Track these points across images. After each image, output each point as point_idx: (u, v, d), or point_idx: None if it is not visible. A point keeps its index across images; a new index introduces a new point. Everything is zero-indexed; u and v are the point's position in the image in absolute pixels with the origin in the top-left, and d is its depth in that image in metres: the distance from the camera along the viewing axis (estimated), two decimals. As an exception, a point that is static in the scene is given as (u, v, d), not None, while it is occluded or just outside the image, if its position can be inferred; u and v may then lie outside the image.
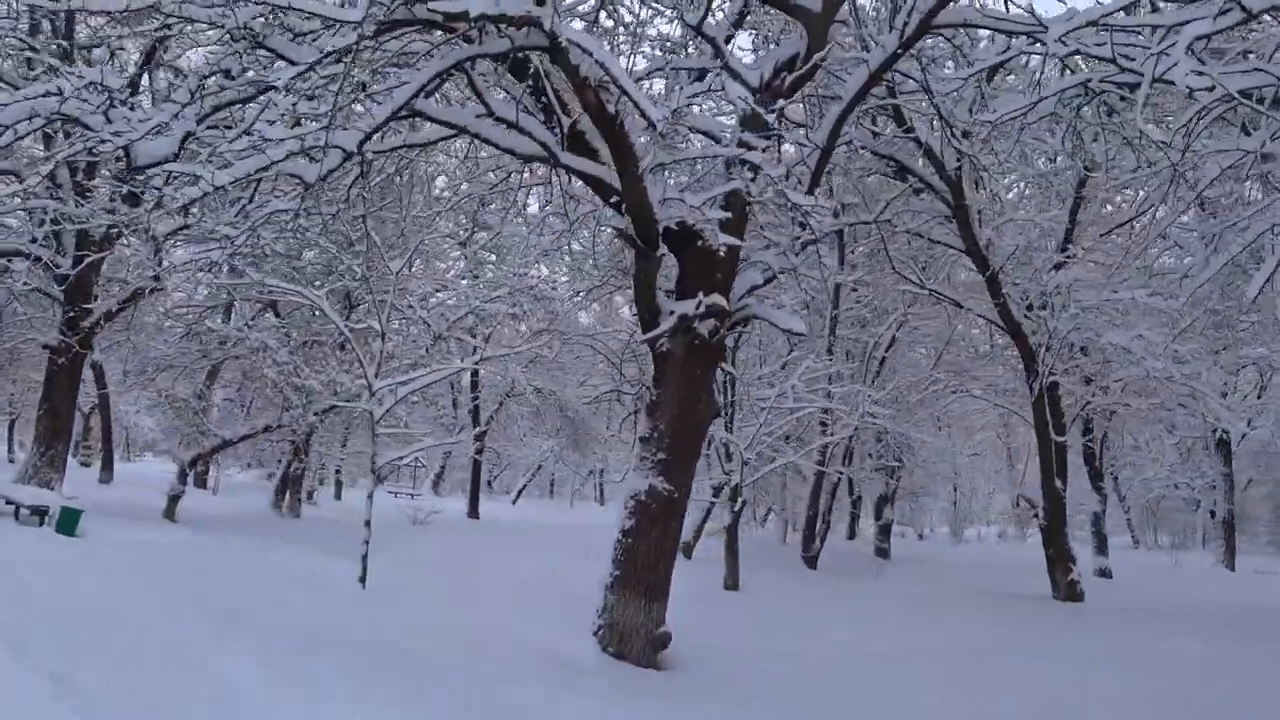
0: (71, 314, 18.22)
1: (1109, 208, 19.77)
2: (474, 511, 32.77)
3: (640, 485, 9.51)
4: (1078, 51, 8.87)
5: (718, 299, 9.45)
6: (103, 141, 6.73)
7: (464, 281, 25.46)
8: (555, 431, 34.37)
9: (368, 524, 13.04)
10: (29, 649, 6.71)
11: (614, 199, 8.76)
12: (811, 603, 16.89)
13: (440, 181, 28.19)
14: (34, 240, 17.04)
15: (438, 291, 22.58)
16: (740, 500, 17.90)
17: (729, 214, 8.89)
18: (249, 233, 6.75)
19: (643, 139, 8.35)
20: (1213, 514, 39.06)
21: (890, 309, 22.17)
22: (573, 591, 15.11)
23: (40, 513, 15.81)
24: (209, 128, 8.14)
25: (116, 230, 18.31)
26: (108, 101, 6.53)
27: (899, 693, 9.23)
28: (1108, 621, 15.70)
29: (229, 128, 9.49)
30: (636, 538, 9.44)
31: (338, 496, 35.66)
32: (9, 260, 18.08)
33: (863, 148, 14.57)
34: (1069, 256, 17.44)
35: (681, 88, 8.12)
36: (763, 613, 15.19)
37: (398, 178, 15.15)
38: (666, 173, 9.65)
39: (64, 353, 18.69)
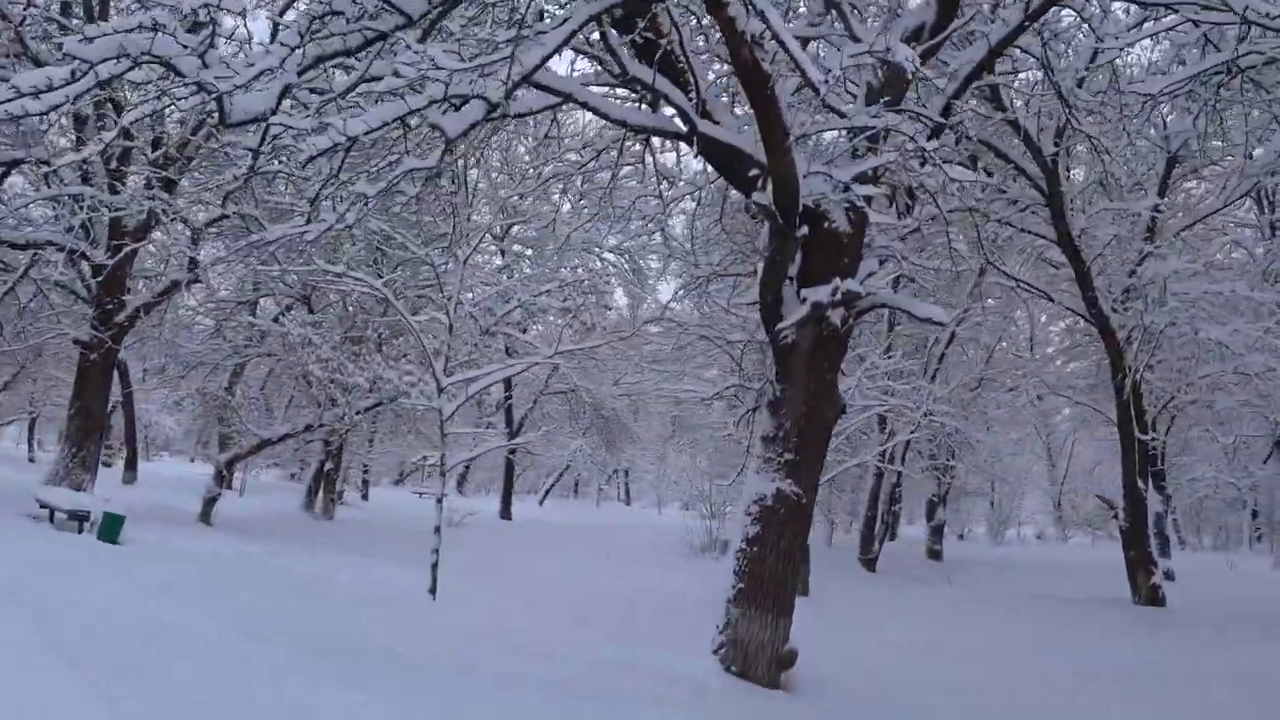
0: (110, 305, 17.29)
1: (1198, 192, 18.81)
2: (506, 512, 31.88)
3: (765, 489, 8.61)
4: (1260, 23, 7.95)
5: (854, 286, 8.56)
6: (198, 89, 5.80)
7: (505, 277, 24.61)
8: (585, 430, 33.46)
9: (437, 531, 12.16)
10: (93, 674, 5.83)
11: (752, 173, 7.85)
12: (890, 607, 16.01)
13: (473, 174, 27.35)
14: (69, 229, 16.08)
15: (485, 285, 21.69)
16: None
17: (882, 190, 7.99)
18: (385, 194, 5.84)
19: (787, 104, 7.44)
20: (1255, 514, 38.27)
21: (953, 303, 21.21)
22: (653, 600, 14.36)
23: (79, 518, 14.91)
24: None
25: (153, 220, 17.43)
26: (208, 41, 5.61)
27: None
28: (1205, 630, 14.78)
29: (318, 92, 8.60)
30: (763, 547, 8.53)
31: (365, 496, 34.75)
32: (40, 250, 17.17)
33: (961, 131, 13.62)
34: (1158, 246, 16.51)
35: (841, 49, 7.18)
36: (845, 621, 14.30)
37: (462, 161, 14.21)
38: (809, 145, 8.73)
39: (96, 348, 17.78)
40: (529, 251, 30.00)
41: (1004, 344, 25.96)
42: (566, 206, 31.41)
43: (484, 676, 7.00)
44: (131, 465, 29.07)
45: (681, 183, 10.81)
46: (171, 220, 16.81)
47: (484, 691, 6.51)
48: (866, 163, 7.98)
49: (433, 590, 11.69)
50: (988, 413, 25.54)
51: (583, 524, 34.44)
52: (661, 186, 10.74)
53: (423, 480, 46.14)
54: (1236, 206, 21.57)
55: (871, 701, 8.60)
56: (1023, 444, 34.62)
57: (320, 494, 25.71)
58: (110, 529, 14.20)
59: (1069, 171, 15.14)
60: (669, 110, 8.19)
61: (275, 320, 19.76)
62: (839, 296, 8.46)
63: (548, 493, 44.66)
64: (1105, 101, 11.02)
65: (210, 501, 19.70)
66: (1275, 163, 12.23)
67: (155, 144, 17.25)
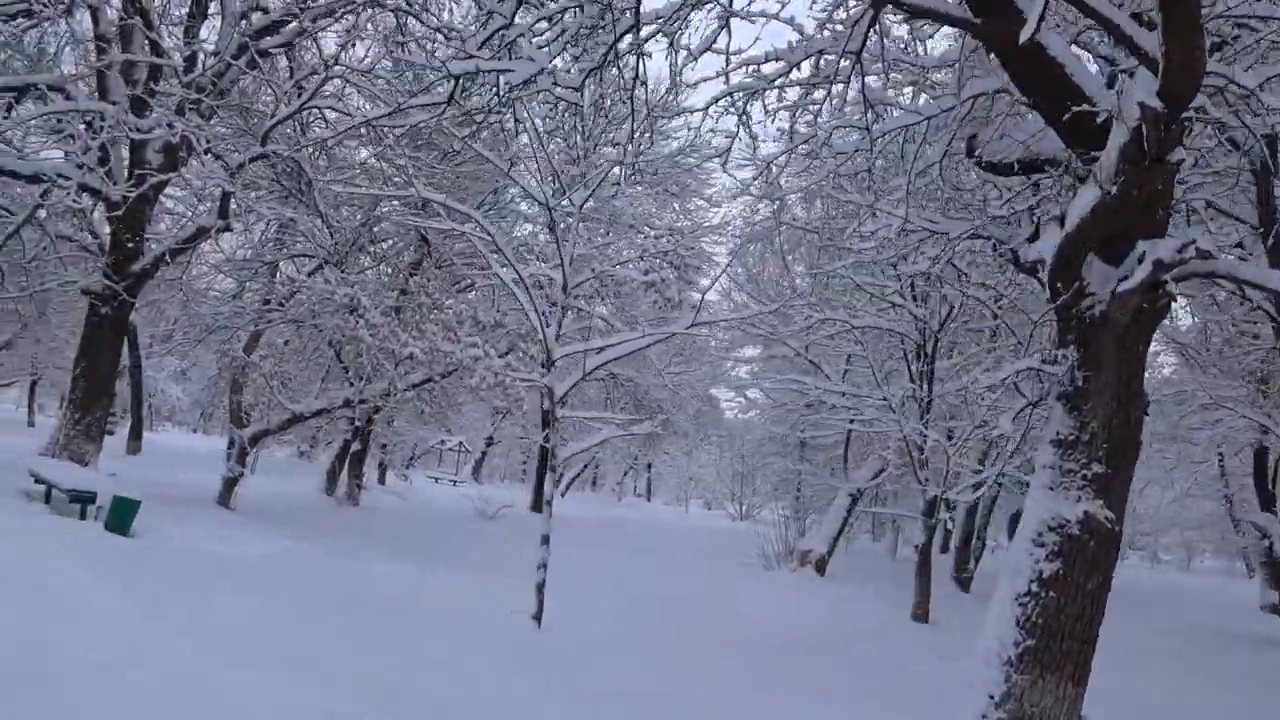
0: (130, 244, 14.76)
1: None
2: (538, 505, 29.38)
3: (1068, 512, 6.22)
4: None
5: (1206, 244, 6.18)
6: None
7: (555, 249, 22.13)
8: (629, 420, 30.93)
9: (545, 540, 9.70)
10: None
11: (1110, 71, 5.46)
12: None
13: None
14: (84, 152, 13.40)
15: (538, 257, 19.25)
16: (940, 517, 14.63)
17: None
18: None
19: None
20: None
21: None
22: (802, 635, 12.18)
23: (83, 500, 12.36)
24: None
25: (183, 150, 14.86)
26: None
27: None
28: None
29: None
30: (1064, 590, 6.15)
31: (381, 480, 32.17)
32: (49, 187, 14.56)
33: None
34: None
35: None
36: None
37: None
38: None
39: (108, 300, 15.27)
40: (582, 225, 27.41)
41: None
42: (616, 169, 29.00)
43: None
44: (137, 435, 26.60)
45: (898, 112, 8.39)
46: (205, 152, 14.25)
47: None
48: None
49: (538, 617, 9.26)
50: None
51: (618, 520, 32.18)
52: (868, 118, 8.31)
53: (439, 465, 43.71)
54: None
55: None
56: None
57: (344, 477, 23.21)
58: (121, 517, 11.72)
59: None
60: None
61: (318, 275, 17.26)
62: (1191, 254, 6.06)
63: (569, 485, 42.14)
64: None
65: (231, 482, 17.27)
66: None
67: (189, 64, 14.74)
